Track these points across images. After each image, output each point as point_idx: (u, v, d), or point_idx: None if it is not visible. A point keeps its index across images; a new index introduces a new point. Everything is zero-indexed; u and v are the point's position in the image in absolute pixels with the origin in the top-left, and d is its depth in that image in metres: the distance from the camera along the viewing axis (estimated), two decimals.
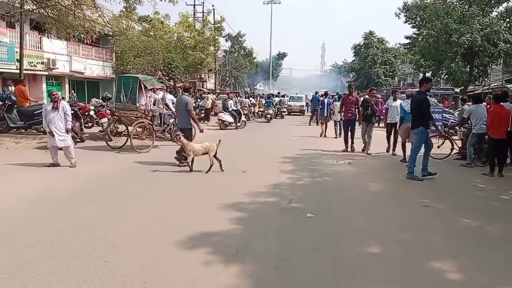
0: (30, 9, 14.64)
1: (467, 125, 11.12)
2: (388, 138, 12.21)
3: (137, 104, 11.37)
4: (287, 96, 38.69)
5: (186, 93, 9.89)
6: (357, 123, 12.59)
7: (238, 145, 13.76)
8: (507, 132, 8.94)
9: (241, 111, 21.22)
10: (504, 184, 8.30)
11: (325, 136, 17.08)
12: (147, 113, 11.57)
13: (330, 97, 20.54)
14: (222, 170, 8.58)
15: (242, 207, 6.09)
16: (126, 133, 11.77)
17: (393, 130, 11.89)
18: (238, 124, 20.37)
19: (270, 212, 5.93)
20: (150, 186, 7.47)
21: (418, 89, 9.37)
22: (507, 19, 26.33)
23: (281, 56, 72.97)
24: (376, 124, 13.28)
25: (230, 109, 20.41)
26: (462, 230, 5.41)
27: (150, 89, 11.88)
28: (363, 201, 6.80)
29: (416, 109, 8.55)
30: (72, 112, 12.30)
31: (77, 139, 12.01)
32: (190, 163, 8.67)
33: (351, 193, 7.28)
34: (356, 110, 12.43)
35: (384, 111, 13.01)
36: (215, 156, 8.59)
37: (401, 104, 11.18)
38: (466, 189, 7.88)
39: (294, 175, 8.69)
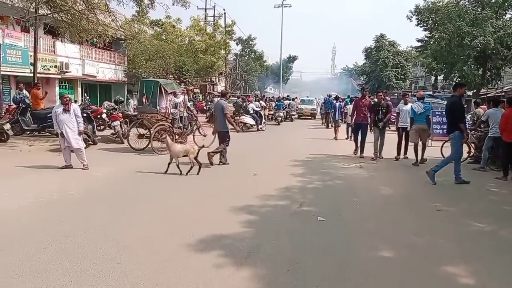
0: (45, 14, 14.86)
1: (480, 129, 10.98)
2: (399, 143, 11.64)
3: (158, 107, 11.74)
4: (297, 99, 38.17)
5: (223, 98, 10.62)
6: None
7: (250, 147, 13.77)
8: None
9: (262, 114, 21.69)
10: None
11: (336, 139, 17.10)
12: (167, 116, 11.95)
13: (341, 100, 20.65)
14: (198, 174, 8.59)
15: (253, 210, 6.10)
16: (148, 135, 12.05)
17: (404, 134, 11.51)
18: (260, 126, 20.77)
19: (281, 215, 5.93)
20: (162, 188, 7.51)
21: (452, 94, 9.22)
22: None
23: (292, 59, 73.11)
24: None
25: (251, 112, 20.95)
26: (475, 235, 5.36)
27: (171, 93, 12.33)
28: (374, 205, 6.76)
29: (450, 113, 8.40)
30: (85, 115, 12.49)
31: (90, 142, 12.15)
32: (168, 164, 8.69)
33: (363, 197, 7.25)
34: (369, 114, 11.75)
35: (395, 115, 12.49)
36: (196, 159, 8.66)
37: (411, 106, 11.11)
38: (479, 193, 7.79)
39: (305, 178, 8.68)
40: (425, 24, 33.37)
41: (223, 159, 9.96)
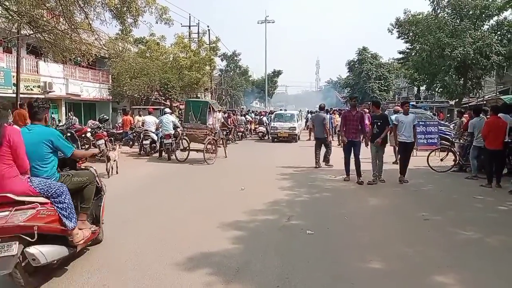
0: (27, 34, 14.75)
1: (464, 138, 11.17)
2: (401, 160, 10.15)
3: (207, 124, 13.51)
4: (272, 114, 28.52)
5: (322, 111, 13.08)
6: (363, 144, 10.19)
7: (236, 161, 13.75)
8: (503, 143, 9.01)
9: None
10: (502, 195, 8.30)
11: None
12: (213, 131, 13.71)
13: (331, 112, 21.63)
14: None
15: (241, 225, 6.06)
16: (188, 148, 13.78)
17: (406, 151, 9.98)
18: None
19: (269, 230, 5.90)
20: (149, 206, 7.41)
21: None
22: (498, 32, 26.73)
23: (276, 73, 73.43)
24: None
25: (264, 124, 26.34)
26: (462, 243, 5.40)
27: (216, 111, 14.38)
28: (362, 216, 6.78)
29: None
30: (69, 134, 12.37)
31: None
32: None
33: (350, 209, 7.26)
34: (360, 129, 9.92)
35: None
36: (107, 164, 10.16)
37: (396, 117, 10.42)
38: (465, 201, 7.87)
39: (293, 192, 8.67)
40: (406, 36, 33.88)
41: (326, 159, 12.38)
